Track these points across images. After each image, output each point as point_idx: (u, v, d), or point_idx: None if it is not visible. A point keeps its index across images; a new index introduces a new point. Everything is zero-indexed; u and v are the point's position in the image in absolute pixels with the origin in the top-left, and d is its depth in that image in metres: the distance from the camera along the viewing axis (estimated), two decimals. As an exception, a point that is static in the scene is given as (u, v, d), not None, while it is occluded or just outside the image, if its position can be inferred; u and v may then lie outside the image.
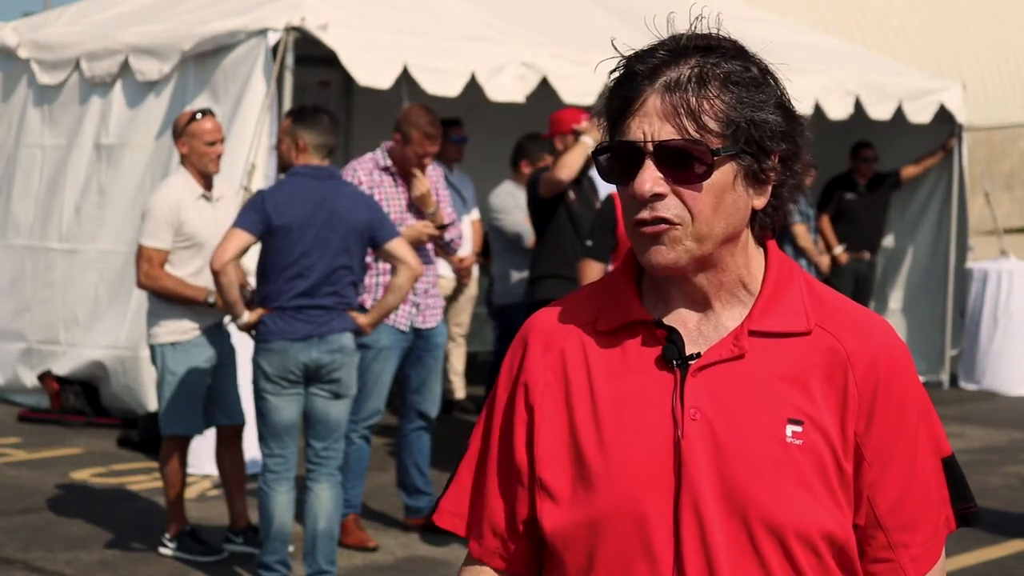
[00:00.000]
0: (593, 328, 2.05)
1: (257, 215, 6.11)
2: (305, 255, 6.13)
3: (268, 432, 6.24)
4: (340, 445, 6.38)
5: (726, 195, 1.95)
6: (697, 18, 1.99)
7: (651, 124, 1.92)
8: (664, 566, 1.95)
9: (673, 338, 2.00)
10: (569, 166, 7.64)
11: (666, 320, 2.02)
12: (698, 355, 1.99)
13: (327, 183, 6.25)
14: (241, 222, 6.11)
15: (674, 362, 1.99)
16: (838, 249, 12.15)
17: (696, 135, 1.91)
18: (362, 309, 6.55)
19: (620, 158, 1.96)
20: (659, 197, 1.93)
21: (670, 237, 1.94)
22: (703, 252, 1.96)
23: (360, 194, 6.47)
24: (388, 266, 7.13)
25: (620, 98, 1.96)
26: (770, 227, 2.03)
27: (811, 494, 1.95)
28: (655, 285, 2.05)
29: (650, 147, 1.92)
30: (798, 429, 1.95)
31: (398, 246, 6.33)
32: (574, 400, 2.03)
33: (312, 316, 6.15)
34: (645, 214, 1.94)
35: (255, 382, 6.22)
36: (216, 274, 6.05)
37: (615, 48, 2.00)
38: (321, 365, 6.17)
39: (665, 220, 1.93)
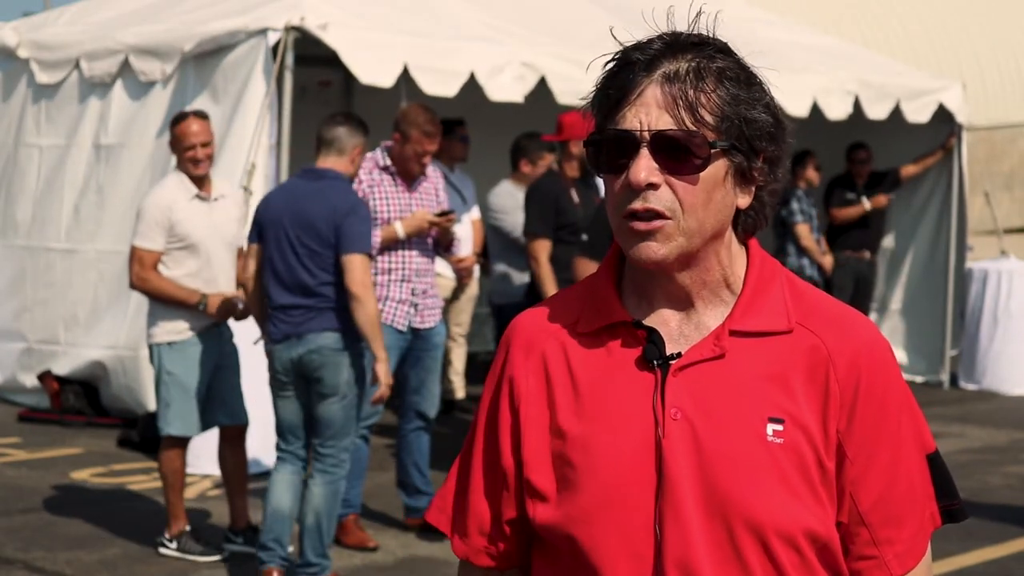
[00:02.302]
0: (574, 330, 2.06)
1: (252, 223, 6.39)
2: (277, 253, 6.23)
3: (277, 430, 6.41)
4: (338, 444, 6.32)
5: (716, 191, 1.95)
6: (698, 15, 1.99)
7: (648, 114, 1.92)
8: (645, 565, 1.96)
9: (653, 338, 2.00)
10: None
11: (647, 320, 2.02)
12: (679, 355, 1.99)
13: (307, 182, 6.31)
14: (249, 236, 6.43)
15: (655, 362, 1.99)
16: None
17: (693, 127, 1.92)
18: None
19: (613, 148, 1.95)
20: (653, 187, 1.93)
21: (662, 233, 1.94)
22: (691, 248, 1.96)
23: (340, 196, 6.24)
24: (385, 264, 7.14)
25: (617, 87, 1.96)
26: (752, 229, 2.04)
27: (792, 493, 1.94)
28: (636, 285, 2.05)
29: (646, 136, 1.92)
30: (779, 428, 1.95)
31: (352, 266, 6.14)
32: (556, 402, 2.03)
33: (291, 316, 6.23)
34: (637, 204, 1.93)
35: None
36: (242, 288, 6.54)
37: (614, 37, 2.00)
38: (303, 365, 6.23)
39: (656, 213, 1.93)
